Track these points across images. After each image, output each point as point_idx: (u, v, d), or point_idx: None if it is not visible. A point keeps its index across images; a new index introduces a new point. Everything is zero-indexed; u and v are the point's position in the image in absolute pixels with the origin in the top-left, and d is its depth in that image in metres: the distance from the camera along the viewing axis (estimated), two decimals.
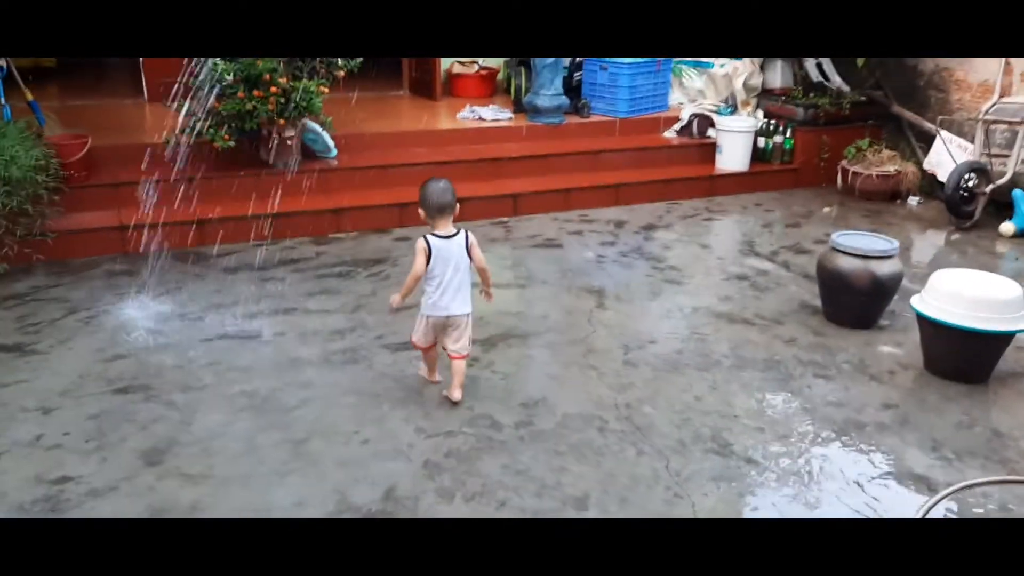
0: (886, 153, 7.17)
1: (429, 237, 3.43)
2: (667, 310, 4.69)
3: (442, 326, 3.52)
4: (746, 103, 7.83)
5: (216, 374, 3.78)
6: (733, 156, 7.20)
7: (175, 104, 5.54)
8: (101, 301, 4.52)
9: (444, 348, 3.58)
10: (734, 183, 7.19)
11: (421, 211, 3.46)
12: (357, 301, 4.65)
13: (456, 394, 3.54)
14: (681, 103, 7.97)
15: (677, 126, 7.57)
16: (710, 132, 7.43)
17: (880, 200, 6.99)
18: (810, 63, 7.86)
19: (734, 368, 3.99)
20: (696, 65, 8.01)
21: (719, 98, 7.91)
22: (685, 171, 7.16)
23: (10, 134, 4.75)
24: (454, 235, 3.44)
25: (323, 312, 4.49)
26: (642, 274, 5.24)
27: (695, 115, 7.52)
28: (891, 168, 7.01)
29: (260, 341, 4.13)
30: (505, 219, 6.24)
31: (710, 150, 7.32)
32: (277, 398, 3.59)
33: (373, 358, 3.98)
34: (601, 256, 5.54)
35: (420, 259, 3.41)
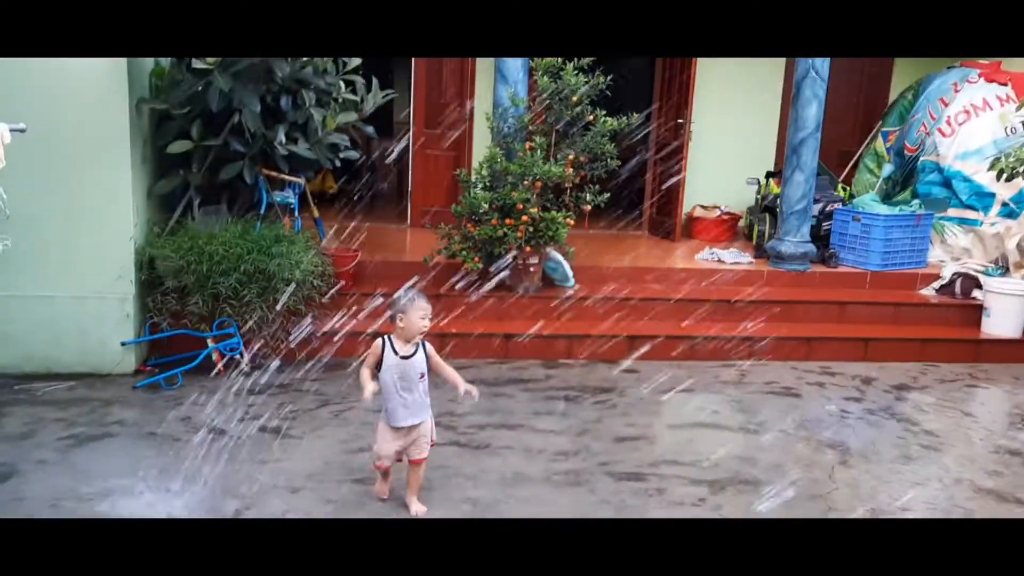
0: None
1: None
2: (923, 477, 4.20)
3: None
4: (1020, 265, 7.13)
5: (444, 478, 3.88)
6: (1004, 321, 6.51)
7: (435, 228, 6.06)
8: (350, 398, 4.87)
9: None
10: (1004, 350, 6.46)
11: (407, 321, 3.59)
12: (583, 426, 4.64)
13: None
14: (942, 261, 7.42)
15: (937, 284, 7.03)
16: (976, 293, 6.81)
17: None
18: None
19: None
20: (962, 223, 7.48)
21: (988, 258, 7.28)
22: (945, 332, 6.57)
23: (298, 243, 5.41)
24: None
25: (549, 432, 4.52)
26: (892, 435, 4.77)
27: (958, 274, 6.96)
28: None
29: (487, 451, 4.22)
30: (739, 362, 6.01)
31: (975, 312, 6.69)
32: (499, 509, 3.60)
33: (596, 483, 3.90)
34: (845, 412, 5.13)
35: None
